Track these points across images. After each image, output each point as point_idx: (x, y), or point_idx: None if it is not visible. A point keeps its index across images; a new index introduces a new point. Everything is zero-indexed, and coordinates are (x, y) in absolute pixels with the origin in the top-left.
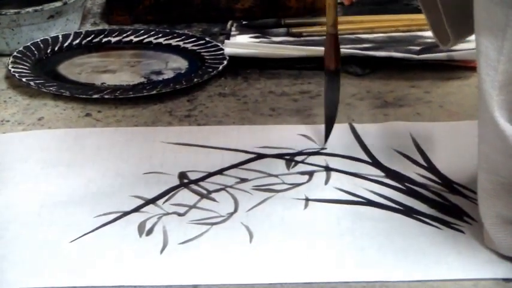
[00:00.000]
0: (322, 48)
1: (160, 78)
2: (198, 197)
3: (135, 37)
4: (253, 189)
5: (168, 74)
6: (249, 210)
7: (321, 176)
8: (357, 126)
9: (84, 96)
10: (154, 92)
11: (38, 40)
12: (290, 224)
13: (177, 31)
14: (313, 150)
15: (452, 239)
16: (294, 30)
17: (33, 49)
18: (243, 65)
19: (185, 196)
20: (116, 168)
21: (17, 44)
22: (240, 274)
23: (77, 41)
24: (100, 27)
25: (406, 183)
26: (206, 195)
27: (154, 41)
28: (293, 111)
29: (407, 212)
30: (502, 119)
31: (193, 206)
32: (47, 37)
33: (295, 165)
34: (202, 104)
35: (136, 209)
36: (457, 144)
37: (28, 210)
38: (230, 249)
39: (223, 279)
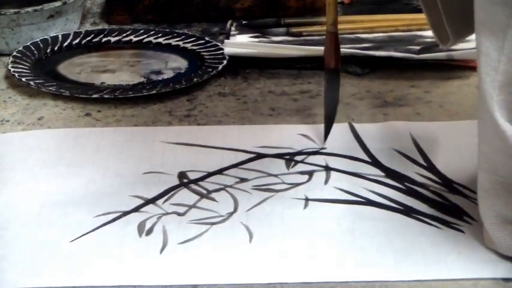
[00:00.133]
0: (322, 48)
1: (160, 78)
2: (197, 197)
3: (134, 37)
4: (253, 189)
5: (168, 74)
6: (249, 210)
7: (320, 175)
8: (356, 125)
9: (83, 96)
10: (154, 91)
11: (38, 40)
12: (290, 224)
13: (176, 31)
14: (313, 150)
15: (452, 238)
16: (294, 29)
17: (33, 49)
18: (242, 65)
19: (185, 196)
20: (116, 168)
21: (17, 43)
22: (239, 274)
23: (77, 41)
24: (100, 27)
25: (406, 183)
26: (206, 195)
27: (154, 41)
28: (293, 110)
29: (407, 211)
30: (502, 119)
31: (193, 206)
32: (46, 37)
33: (294, 164)
34: (202, 104)
35: (136, 209)
36: (457, 144)
37: (28, 210)
38: (230, 249)
39: (223, 279)
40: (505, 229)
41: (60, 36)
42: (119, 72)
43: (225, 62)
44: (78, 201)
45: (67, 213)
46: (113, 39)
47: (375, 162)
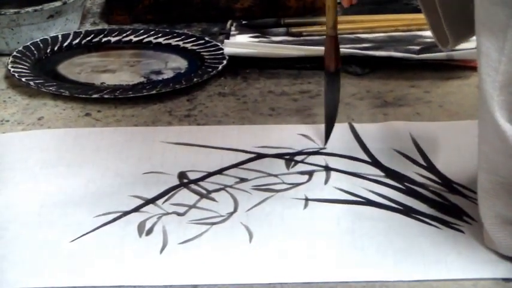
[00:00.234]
0: (322, 48)
1: (159, 78)
2: (197, 197)
3: (134, 37)
4: (252, 189)
5: (168, 74)
6: (249, 210)
7: (320, 175)
8: (356, 126)
9: (83, 96)
10: (154, 91)
11: (38, 40)
12: (290, 224)
13: (176, 31)
14: (313, 150)
15: (452, 238)
16: (294, 29)
17: (33, 49)
18: (242, 65)
19: (185, 196)
20: (116, 168)
21: (17, 43)
22: (239, 274)
23: (77, 41)
24: (99, 27)
25: (405, 183)
26: (206, 195)
27: (154, 41)
28: (293, 110)
29: (407, 211)
30: (502, 119)
31: (193, 206)
32: (46, 37)
33: (294, 165)
34: (201, 104)
35: (136, 209)
36: (457, 144)
37: (28, 210)
38: (230, 249)
39: (223, 279)
40: (505, 229)
41: (60, 36)
42: (119, 72)
43: (224, 62)
44: (78, 201)
45: (67, 213)
46: (113, 39)
47: (375, 162)
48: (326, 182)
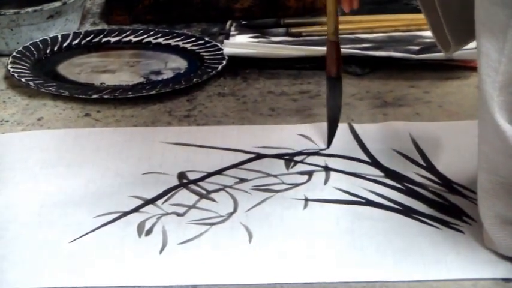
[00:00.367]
0: (322, 48)
1: (159, 78)
2: (197, 197)
3: (134, 37)
4: (252, 189)
5: (168, 74)
6: (249, 210)
7: (320, 176)
8: (356, 126)
9: (83, 96)
10: (153, 92)
11: (37, 40)
12: (289, 224)
13: (176, 31)
14: (313, 150)
15: (451, 239)
16: (293, 30)
17: (33, 49)
18: (242, 65)
19: (184, 196)
20: (115, 168)
21: (16, 44)
22: (239, 274)
23: (76, 41)
24: (99, 27)
25: (405, 183)
26: (205, 196)
27: (154, 41)
28: (292, 111)
29: (407, 211)
30: (502, 119)
31: (193, 206)
32: (46, 37)
33: (294, 165)
34: (201, 104)
35: (136, 209)
36: (457, 144)
37: (28, 210)
38: (229, 249)
39: (223, 279)
40: (504, 229)
41: (59, 36)
42: (118, 72)
43: (224, 62)
44: (78, 202)
45: (67, 213)
46: (112, 40)
47: (375, 163)
48: (326, 182)
